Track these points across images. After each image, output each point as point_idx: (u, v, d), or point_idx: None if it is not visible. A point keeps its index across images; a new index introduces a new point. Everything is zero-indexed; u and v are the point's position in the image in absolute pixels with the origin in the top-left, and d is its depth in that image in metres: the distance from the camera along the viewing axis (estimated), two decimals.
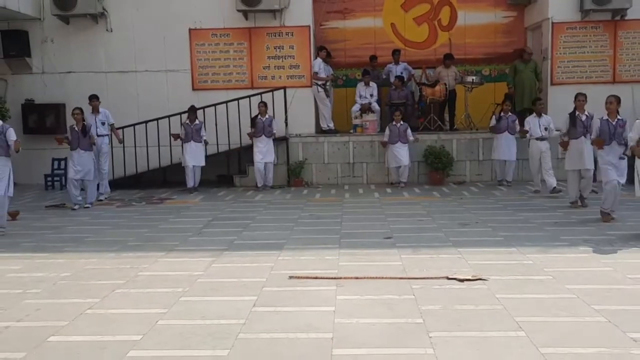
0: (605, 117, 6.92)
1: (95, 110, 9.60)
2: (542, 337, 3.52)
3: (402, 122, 10.30)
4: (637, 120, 6.10)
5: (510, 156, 10.07)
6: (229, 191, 10.32)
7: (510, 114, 10.17)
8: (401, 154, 10.20)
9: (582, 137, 7.60)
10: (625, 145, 6.63)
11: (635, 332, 3.56)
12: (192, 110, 10.26)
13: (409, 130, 10.30)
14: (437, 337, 3.57)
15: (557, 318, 3.84)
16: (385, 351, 3.42)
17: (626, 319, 3.77)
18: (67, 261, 5.69)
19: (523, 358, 3.27)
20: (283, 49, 11.40)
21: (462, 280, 4.71)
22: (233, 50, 11.43)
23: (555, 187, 8.94)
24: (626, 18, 11.15)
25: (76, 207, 8.70)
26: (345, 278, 4.87)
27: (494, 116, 10.43)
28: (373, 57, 12.25)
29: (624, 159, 6.86)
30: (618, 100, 6.89)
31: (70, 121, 9.06)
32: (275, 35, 11.38)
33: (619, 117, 6.89)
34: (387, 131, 10.40)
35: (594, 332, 3.61)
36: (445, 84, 11.35)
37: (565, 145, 7.91)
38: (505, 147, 10.05)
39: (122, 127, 10.52)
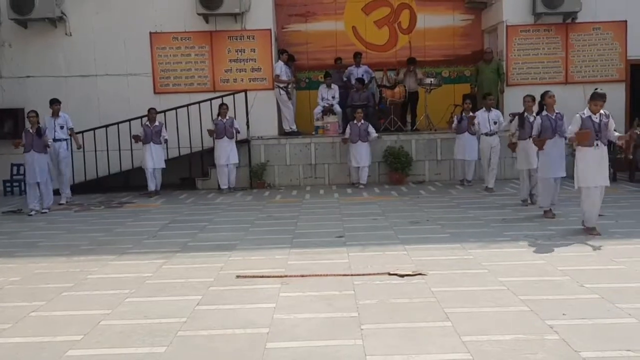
0: (545, 112, 7.21)
1: (55, 114, 9.57)
2: (466, 326, 3.71)
3: (363, 122, 10.46)
4: (577, 115, 6.34)
5: (471, 156, 10.26)
6: (190, 194, 10.37)
7: (470, 113, 10.36)
8: (361, 153, 10.36)
9: (530, 138, 7.86)
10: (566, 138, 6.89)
11: (553, 319, 3.78)
12: (152, 112, 10.26)
13: (370, 128, 10.44)
14: (367, 329, 3.73)
15: (484, 308, 4.04)
16: (316, 343, 3.56)
17: (547, 308, 3.99)
18: (17, 266, 5.70)
19: (444, 345, 3.44)
20: (244, 52, 11.50)
21: (402, 276, 4.88)
22: (194, 54, 11.48)
23: (488, 187, 9.44)
24: (577, 21, 11.53)
25: (32, 212, 8.65)
26: (290, 276, 5.00)
27: (455, 117, 10.64)
28: (338, 59, 12.36)
29: (573, 155, 7.04)
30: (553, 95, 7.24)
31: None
32: (236, 39, 11.47)
33: (557, 111, 7.20)
34: (348, 129, 10.56)
35: (516, 320, 3.81)
36: (404, 86, 11.60)
37: (513, 148, 8.20)
38: (466, 146, 10.20)
39: (83, 132, 10.49)
